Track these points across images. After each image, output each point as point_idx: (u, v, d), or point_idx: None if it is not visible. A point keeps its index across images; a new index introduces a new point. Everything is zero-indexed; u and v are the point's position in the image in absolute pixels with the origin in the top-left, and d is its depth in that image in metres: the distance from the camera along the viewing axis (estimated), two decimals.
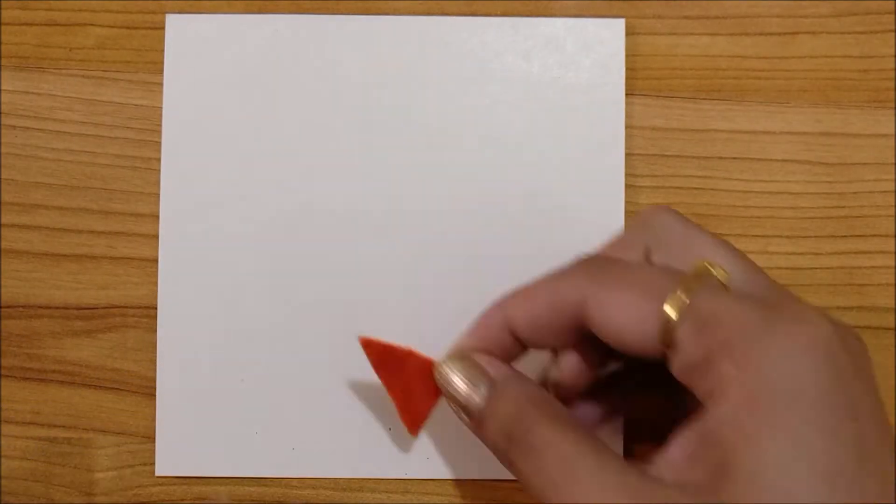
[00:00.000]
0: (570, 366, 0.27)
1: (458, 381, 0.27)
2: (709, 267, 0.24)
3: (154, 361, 0.34)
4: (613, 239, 0.29)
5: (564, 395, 0.28)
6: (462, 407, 0.27)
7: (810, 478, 0.20)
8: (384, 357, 0.32)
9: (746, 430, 0.21)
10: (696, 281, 0.24)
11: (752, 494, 0.20)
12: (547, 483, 0.23)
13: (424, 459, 0.34)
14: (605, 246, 0.29)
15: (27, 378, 0.34)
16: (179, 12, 0.34)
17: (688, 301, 0.23)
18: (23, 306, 0.34)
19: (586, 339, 0.27)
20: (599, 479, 0.22)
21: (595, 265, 0.26)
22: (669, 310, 0.23)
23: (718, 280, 0.24)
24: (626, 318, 0.24)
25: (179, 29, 0.34)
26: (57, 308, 0.34)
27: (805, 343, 0.21)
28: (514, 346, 0.28)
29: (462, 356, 0.28)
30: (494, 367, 0.27)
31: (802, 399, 0.21)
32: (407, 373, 0.32)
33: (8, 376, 0.34)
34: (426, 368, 0.31)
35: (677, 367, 0.23)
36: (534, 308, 0.26)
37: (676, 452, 0.22)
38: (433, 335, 0.34)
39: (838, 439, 0.20)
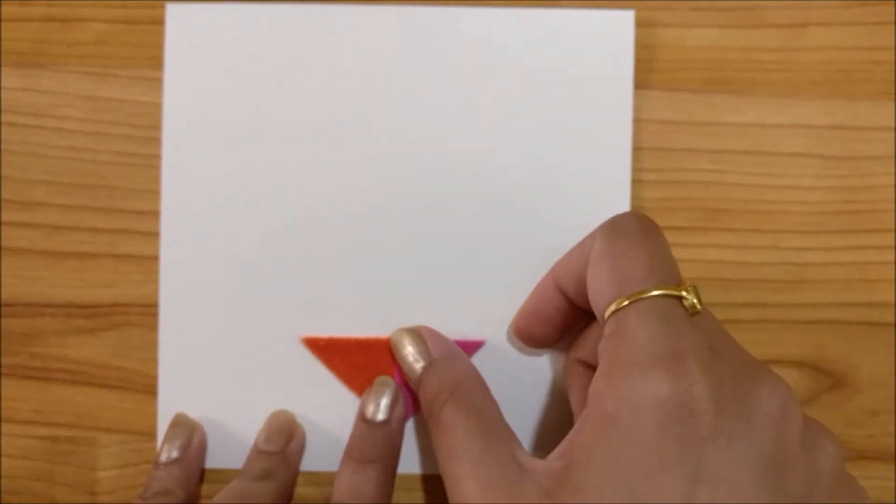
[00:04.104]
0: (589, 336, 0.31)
1: (406, 350, 0.32)
2: (686, 291, 0.26)
3: (157, 360, 0.34)
4: None
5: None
6: (407, 374, 0.31)
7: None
8: (333, 352, 0.33)
9: (587, 445, 0.24)
10: (655, 289, 0.25)
11: (571, 501, 0.23)
12: (440, 455, 0.27)
13: (429, 456, 0.34)
14: None
15: (29, 377, 0.34)
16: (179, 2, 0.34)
17: (626, 304, 0.25)
18: (24, 304, 0.34)
19: None
20: (471, 467, 0.26)
21: (615, 223, 0.28)
22: (615, 304, 0.25)
23: (682, 302, 0.25)
24: (594, 288, 0.27)
25: (180, 18, 0.34)
26: (59, 306, 0.34)
27: (669, 395, 0.23)
28: (567, 306, 0.31)
29: (414, 331, 0.32)
30: (435, 344, 0.31)
31: (638, 439, 0.23)
32: (361, 361, 0.33)
33: (10, 375, 0.34)
34: (379, 350, 0.31)
35: (599, 351, 0.26)
36: (570, 262, 0.30)
37: (558, 448, 0.25)
38: (434, 327, 0.34)
39: (658, 491, 0.22)
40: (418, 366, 0.31)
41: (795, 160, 0.35)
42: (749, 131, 0.35)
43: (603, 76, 0.34)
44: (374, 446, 0.31)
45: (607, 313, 0.26)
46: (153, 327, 0.34)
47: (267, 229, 0.34)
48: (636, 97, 0.34)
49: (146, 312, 0.34)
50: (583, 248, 0.29)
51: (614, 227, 0.28)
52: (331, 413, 0.34)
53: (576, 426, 0.25)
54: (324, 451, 0.34)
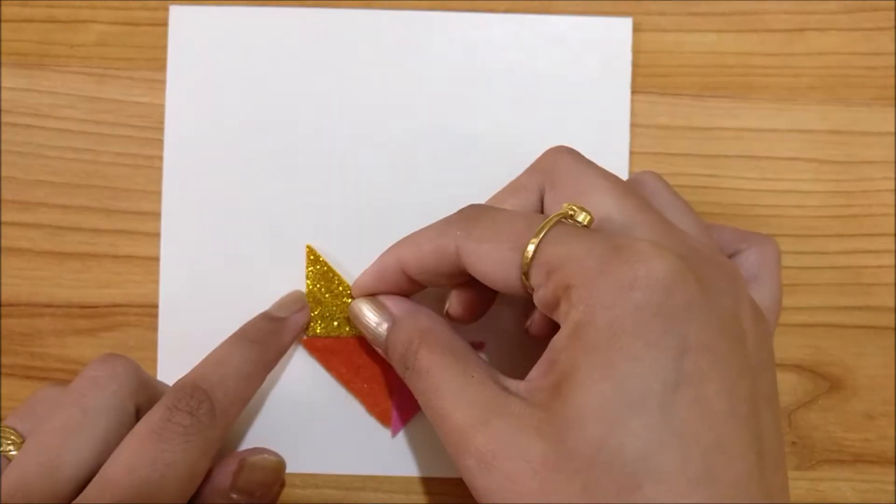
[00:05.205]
0: (457, 301, 0.30)
1: (367, 317, 0.31)
2: (571, 210, 0.26)
3: (156, 360, 0.34)
4: (512, 181, 0.30)
5: (461, 323, 0.31)
6: (372, 340, 0.31)
7: (612, 401, 0.22)
8: (331, 353, 0.33)
9: (570, 357, 0.24)
10: (550, 226, 0.26)
11: (564, 411, 0.23)
12: (425, 401, 0.27)
13: (429, 458, 0.34)
14: (504, 188, 0.30)
15: (29, 377, 0.34)
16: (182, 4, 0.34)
17: (533, 249, 0.25)
18: (25, 305, 0.34)
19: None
20: (458, 397, 0.26)
21: (468, 217, 0.28)
22: (525, 258, 0.25)
23: (577, 222, 0.26)
24: (492, 267, 0.27)
25: (183, 20, 0.34)
26: (59, 306, 0.34)
27: (631, 281, 0.23)
28: (409, 284, 0.30)
29: (371, 297, 0.31)
30: (395, 304, 0.31)
31: (617, 331, 0.23)
32: (359, 362, 0.33)
33: (10, 375, 0.34)
34: (377, 350, 0.32)
35: (538, 303, 0.26)
36: (420, 254, 0.29)
37: (537, 370, 0.25)
38: None
39: (649, 369, 0.23)
40: (382, 328, 0.30)
41: (792, 164, 0.35)
42: (746, 136, 0.35)
43: (601, 81, 0.34)
44: (260, 331, 0.32)
45: (524, 267, 0.26)
46: (153, 328, 0.34)
47: (268, 231, 0.34)
48: (633, 102, 0.34)
49: (146, 313, 0.34)
50: (437, 247, 0.28)
51: (467, 218, 0.28)
52: (329, 414, 0.34)
53: (549, 349, 0.25)
54: (323, 453, 0.34)
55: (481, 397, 0.25)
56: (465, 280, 0.29)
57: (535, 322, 0.29)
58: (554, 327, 0.26)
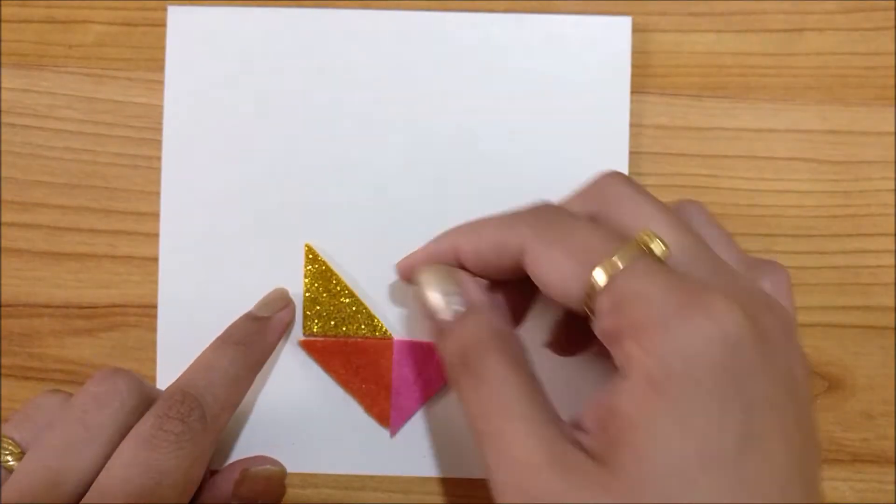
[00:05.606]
0: (501, 302, 0.29)
1: (435, 291, 0.28)
2: (648, 239, 0.25)
3: (155, 360, 0.34)
4: (565, 200, 0.29)
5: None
6: (431, 315, 0.28)
7: (688, 459, 0.22)
8: (330, 353, 0.33)
9: (642, 409, 0.23)
10: (628, 252, 0.24)
11: (636, 467, 0.22)
12: (480, 411, 0.25)
13: (427, 458, 0.34)
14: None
15: (28, 377, 0.34)
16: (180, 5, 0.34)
17: (611, 274, 0.24)
18: (24, 305, 0.34)
19: (526, 279, 0.28)
20: (526, 425, 0.24)
21: (541, 216, 0.27)
22: (594, 279, 0.24)
23: (653, 254, 0.25)
24: (556, 275, 0.25)
25: (181, 20, 0.34)
26: (58, 307, 0.34)
27: (708, 336, 0.23)
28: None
29: (449, 268, 0.29)
30: (475, 290, 0.28)
31: (695, 388, 0.22)
32: (358, 363, 0.33)
33: (9, 375, 0.34)
34: (375, 351, 0.31)
35: (597, 331, 0.25)
36: (480, 244, 0.28)
37: (590, 413, 0.24)
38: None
39: (723, 426, 0.22)
40: (452, 308, 0.28)
41: (790, 165, 0.35)
42: (744, 136, 0.35)
43: (600, 81, 0.34)
44: (245, 333, 0.31)
45: (590, 289, 0.24)
46: (152, 328, 0.34)
47: (266, 231, 0.34)
48: (632, 102, 0.34)
49: (145, 314, 0.34)
50: (501, 241, 0.27)
51: (538, 218, 0.27)
52: (327, 415, 0.34)
53: (610, 393, 0.24)
54: (321, 453, 0.34)
55: (546, 435, 0.24)
56: (513, 279, 0.28)
57: (557, 339, 0.28)
58: (580, 347, 0.25)
